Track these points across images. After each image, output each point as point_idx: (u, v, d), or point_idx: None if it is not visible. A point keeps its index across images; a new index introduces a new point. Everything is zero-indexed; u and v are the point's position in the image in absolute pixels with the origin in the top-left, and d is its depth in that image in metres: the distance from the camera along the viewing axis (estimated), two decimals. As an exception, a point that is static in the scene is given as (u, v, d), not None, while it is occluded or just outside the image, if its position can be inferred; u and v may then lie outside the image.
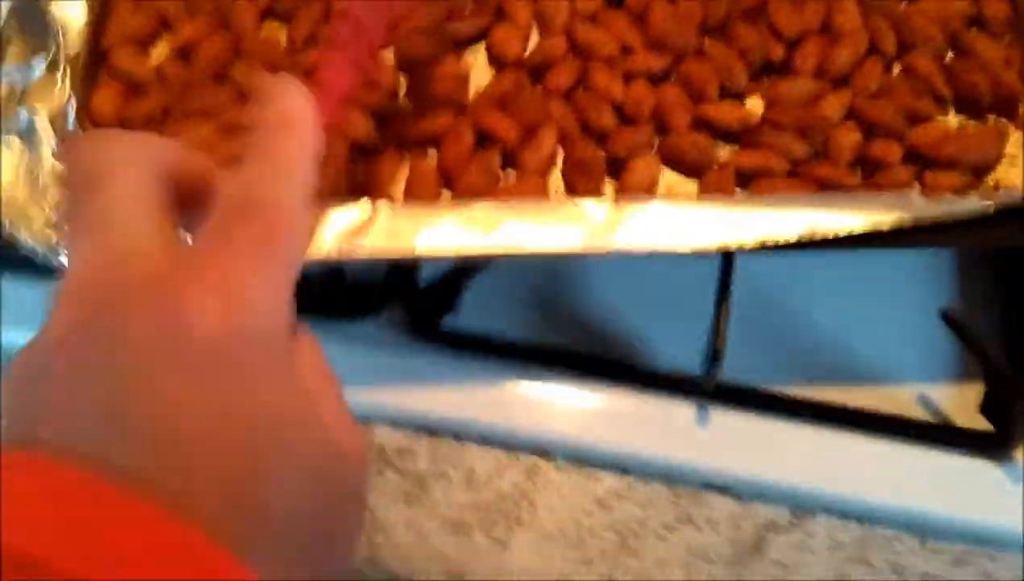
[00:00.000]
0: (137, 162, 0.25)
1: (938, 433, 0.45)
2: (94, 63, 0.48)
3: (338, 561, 0.25)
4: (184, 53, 0.49)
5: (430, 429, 0.46)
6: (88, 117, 0.47)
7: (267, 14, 0.50)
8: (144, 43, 0.49)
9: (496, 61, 0.49)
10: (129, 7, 0.50)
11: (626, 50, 0.49)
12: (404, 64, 0.48)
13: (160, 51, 0.49)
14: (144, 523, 0.20)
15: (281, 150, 0.26)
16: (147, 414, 0.21)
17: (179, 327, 0.22)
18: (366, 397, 0.46)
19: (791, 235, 0.40)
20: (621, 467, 0.45)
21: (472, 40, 0.50)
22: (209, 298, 0.23)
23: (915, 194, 0.41)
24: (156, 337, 0.22)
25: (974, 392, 0.45)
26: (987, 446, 0.44)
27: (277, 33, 0.50)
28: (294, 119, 0.27)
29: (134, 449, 0.21)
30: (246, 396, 0.23)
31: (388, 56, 0.48)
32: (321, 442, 0.24)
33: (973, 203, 0.41)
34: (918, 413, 0.46)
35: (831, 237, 0.40)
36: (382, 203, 0.42)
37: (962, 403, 0.46)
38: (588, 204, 0.42)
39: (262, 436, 0.22)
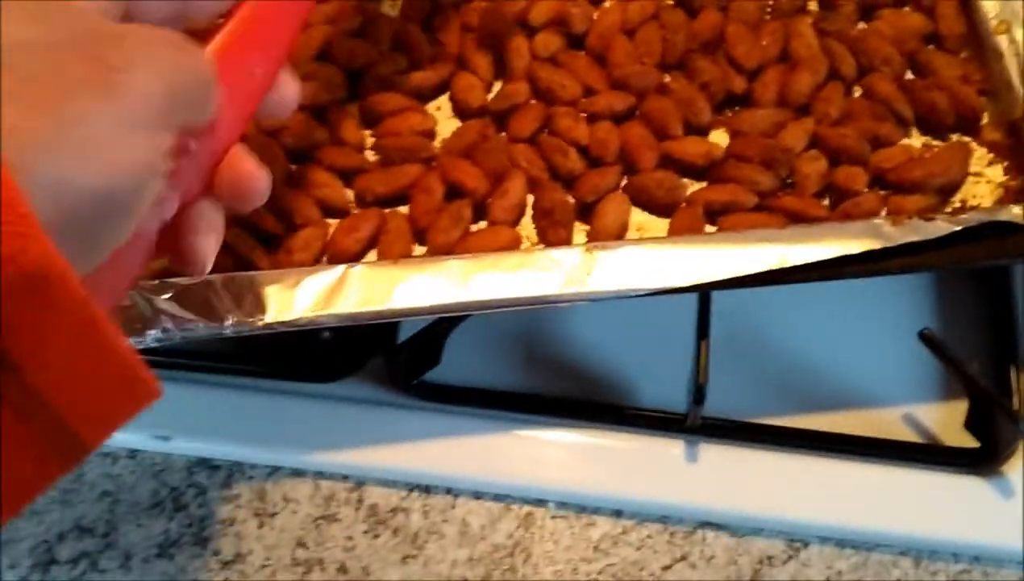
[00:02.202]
0: None
1: (926, 453, 0.45)
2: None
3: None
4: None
5: (422, 486, 0.46)
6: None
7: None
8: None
9: (460, 111, 0.49)
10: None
11: (589, 90, 0.49)
12: (368, 120, 0.48)
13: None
14: None
15: None
16: None
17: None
18: (355, 458, 0.46)
19: (762, 270, 0.40)
20: (615, 510, 0.45)
21: (436, 91, 0.50)
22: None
23: (883, 222, 0.42)
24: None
25: (959, 409, 0.45)
26: (975, 462, 0.44)
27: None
28: None
29: None
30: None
31: (353, 112, 0.49)
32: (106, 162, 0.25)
33: (940, 227, 0.41)
34: (905, 434, 0.46)
35: (801, 267, 0.41)
36: (354, 265, 0.42)
37: (948, 421, 0.46)
38: (561, 252, 0.42)
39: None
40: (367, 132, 0.48)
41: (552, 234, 0.44)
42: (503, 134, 0.48)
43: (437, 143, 0.48)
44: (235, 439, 0.46)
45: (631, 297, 0.40)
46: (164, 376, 0.47)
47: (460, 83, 0.49)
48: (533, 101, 0.49)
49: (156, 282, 0.41)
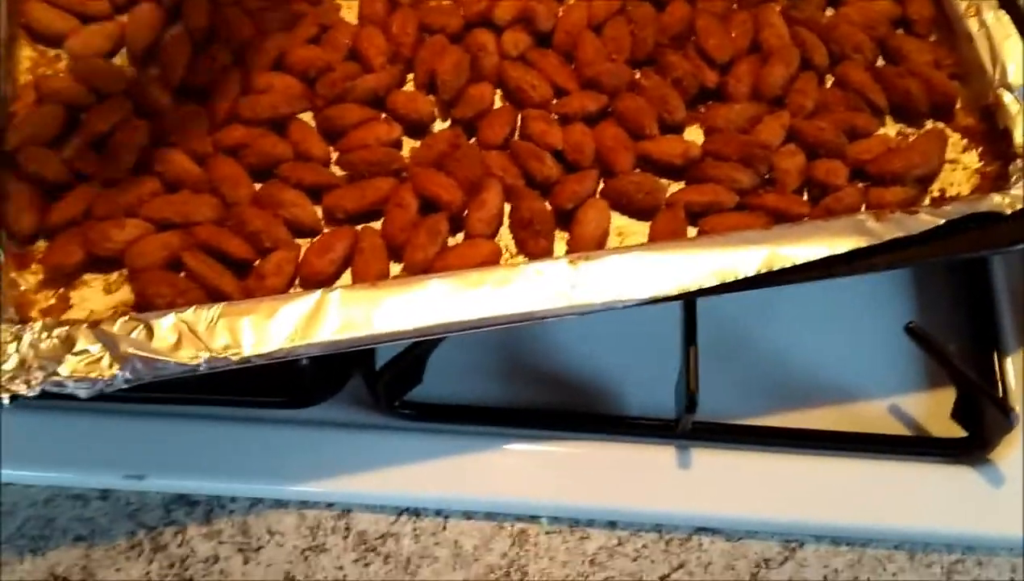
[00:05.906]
0: None
1: (915, 445, 0.45)
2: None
3: None
4: (97, 145, 0.46)
5: (410, 509, 0.45)
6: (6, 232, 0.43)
7: (182, 93, 0.48)
8: (53, 142, 0.46)
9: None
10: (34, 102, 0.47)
11: (559, 90, 0.48)
12: (328, 133, 0.46)
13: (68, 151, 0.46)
14: None
15: None
16: None
17: None
18: (340, 484, 0.44)
19: (748, 273, 0.40)
20: (609, 521, 0.44)
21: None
22: None
23: (867, 217, 0.41)
24: None
25: (944, 399, 0.45)
26: (963, 451, 0.44)
27: (195, 111, 0.47)
28: None
29: None
30: None
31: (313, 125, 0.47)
32: None
33: (924, 221, 0.41)
34: (894, 427, 0.46)
35: (789, 270, 0.40)
36: (331, 290, 0.40)
37: (934, 411, 0.46)
38: (545, 265, 0.40)
39: None
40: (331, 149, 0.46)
41: (533, 245, 0.43)
42: (473, 141, 0.46)
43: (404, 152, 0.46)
44: (213, 472, 0.45)
45: (619, 309, 0.40)
46: (134, 412, 0.46)
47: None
48: (501, 104, 0.48)
49: (122, 320, 0.39)
